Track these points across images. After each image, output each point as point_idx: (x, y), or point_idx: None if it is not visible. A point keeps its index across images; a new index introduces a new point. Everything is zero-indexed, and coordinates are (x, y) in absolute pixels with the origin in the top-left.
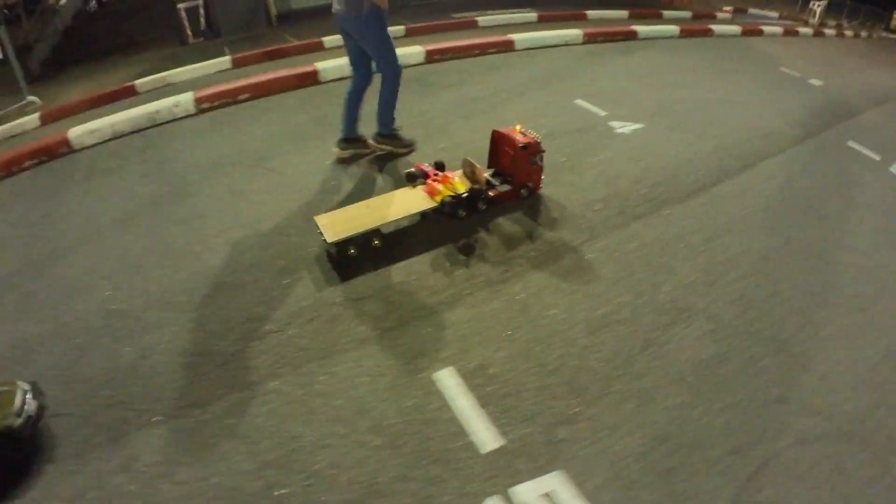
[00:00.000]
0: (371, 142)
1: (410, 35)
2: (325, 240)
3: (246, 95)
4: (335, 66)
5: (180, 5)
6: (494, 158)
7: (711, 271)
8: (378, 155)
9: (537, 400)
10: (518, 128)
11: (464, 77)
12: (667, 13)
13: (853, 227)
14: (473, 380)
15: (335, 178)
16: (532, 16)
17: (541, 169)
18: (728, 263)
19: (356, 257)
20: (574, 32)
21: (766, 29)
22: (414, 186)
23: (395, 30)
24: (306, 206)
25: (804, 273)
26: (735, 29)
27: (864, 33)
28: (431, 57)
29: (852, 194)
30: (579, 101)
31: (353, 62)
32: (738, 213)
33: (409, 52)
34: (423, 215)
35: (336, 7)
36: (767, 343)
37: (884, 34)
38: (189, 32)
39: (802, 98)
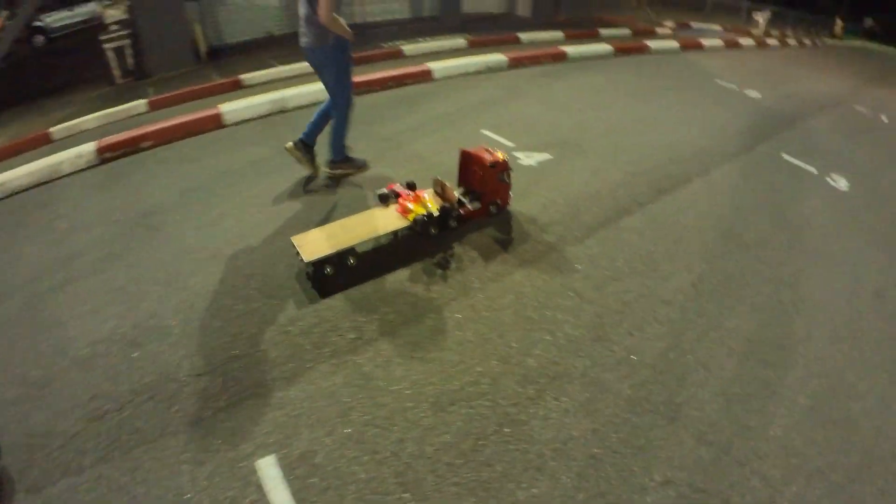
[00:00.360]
0: (326, 169)
1: None
2: (301, 259)
3: (149, 143)
4: (243, 106)
5: (107, 45)
6: (464, 177)
7: (599, 325)
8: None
9: (361, 495)
10: (485, 147)
11: (373, 115)
12: (605, 31)
13: (780, 254)
14: (295, 470)
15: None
16: (461, 42)
17: (509, 186)
18: (621, 314)
19: (333, 277)
20: (498, 58)
21: (707, 42)
22: (387, 206)
23: None
24: (165, 274)
25: (712, 320)
26: (673, 45)
27: (808, 41)
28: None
29: (784, 214)
30: (486, 132)
31: (350, 76)
32: (642, 251)
33: (319, 89)
34: (396, 234)
35: (302, 40)
36: (658, 411)
37: (828, 41)
38: (117, 72)
39: (737, 111)
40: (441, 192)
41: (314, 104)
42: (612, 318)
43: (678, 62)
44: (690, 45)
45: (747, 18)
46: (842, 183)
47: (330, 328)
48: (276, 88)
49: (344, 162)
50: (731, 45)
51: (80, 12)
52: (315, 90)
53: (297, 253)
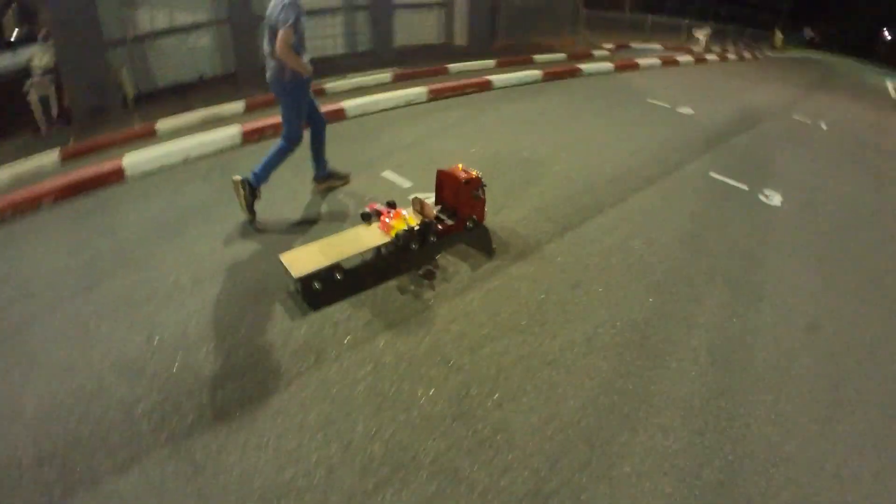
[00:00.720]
0: (242, 187)
1: (249, 110)
2: (290, 276)
3: (49, 200)
4: (151, 157)
5: (31, 96)
6: (440, 195)
7: (465, 397)
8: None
9: None
10: (460, 166)
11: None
12: (540, 57)
13: (697, 290)
14: None
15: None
16: (387, 76)
17: (483, 202)
18: (493, 381)
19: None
20: (417, 91)
21: (644, 62)
22: (369, 224)
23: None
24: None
25: (605, 382)
26: (607, 66)
27: (748, 55)
28: (250, 137)
29: (706, 242)
30: (387, 174)
31: (301, 117)
32: (531, 301)
33: (225, 135)
34: (378, 250)
35: (267, 74)
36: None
37: (769, 53)
38: (42, 120)
39: (667, 130)
40: (420, 209)
41: (220, 151)
42: (481, 387)
43: (611, 84)
44: (624, 66)
45: (688, 36)
46: (775, 199)
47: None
48: (194, 133)
49: (248, 185)
50: (669, 62)
51: (23, 56)
52: (219, 137)
53: (286, 271)
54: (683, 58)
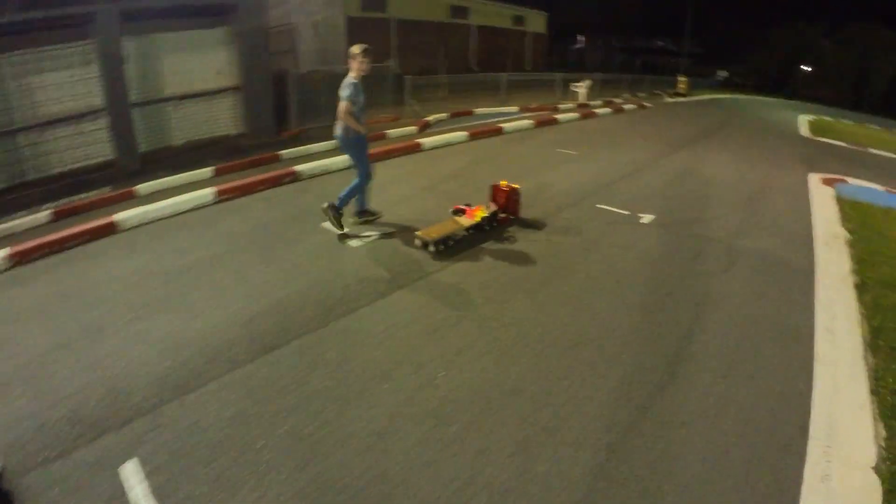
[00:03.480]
0: (329, 209)
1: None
2: (425, 240)
3: None
4: None
5: None
6: (494, 199)
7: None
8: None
9: None
10: (504, 182)
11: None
12: (318, 146)
13: None
14: None
15: None
16: (206, 172)
17: (518, 202)
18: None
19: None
20: (206, 192)
21: (434, 140)
22: (460, 216)
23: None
24: None
25: None
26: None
27: (632, 106)
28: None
29: None
30: None
31: (365, 162)
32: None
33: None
34: (468, 228)
35: (336, 132)
36: None
37: (670, 100)
38: None
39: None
40: (487, 206)
41: None
42: None
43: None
44: (403, 150)
45: (564, 91)
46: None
47: None
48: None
49: (335, 210)
50: (488, 133)
51: None
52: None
53: (417, 238)
54: (522, 122)
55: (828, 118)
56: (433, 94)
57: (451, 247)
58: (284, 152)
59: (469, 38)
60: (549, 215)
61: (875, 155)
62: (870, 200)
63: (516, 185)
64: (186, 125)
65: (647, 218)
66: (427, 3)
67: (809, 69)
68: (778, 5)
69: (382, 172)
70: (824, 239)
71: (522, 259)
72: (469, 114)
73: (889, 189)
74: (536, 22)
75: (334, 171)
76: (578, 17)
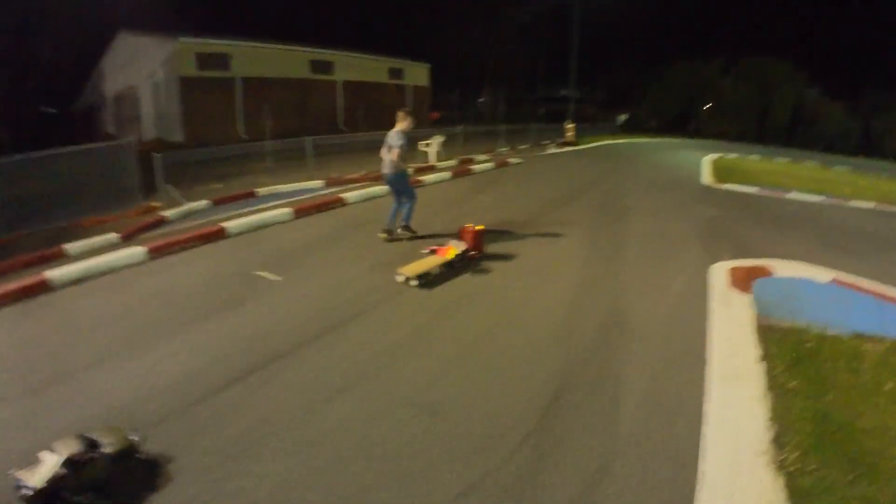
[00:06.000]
0: (399, 231)
1: None
2: (407, 277)
3: None
4: None
5: None
6: (462, 238)
7: None
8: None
9: None
10: (469, 225)
11: None
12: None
13: None
14: None
15: None
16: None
17: (482, 242)
18: None
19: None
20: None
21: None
22: (434, 253)
23: None
24: None
25: None
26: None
27: (515, 159)
28: None
29: None
30: None
31: (393, 195)
32: None
33: None
34: (443, 265)
35: (383, 171)
36: None
37: (555, 150)
38: None
39: None
40: (457, 244)
41: None
42: None
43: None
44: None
45: (413, 149)
46: None
47: None
48: None
49: (408, 228)
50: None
51: None
52: None
53: (399, 274)
54: (281, 212)
55: (733, 155)
56: (216, 169)
57: (431, 281)
58: None
59: (335, 95)
60: None
61: (802, 203)
62: (817, 318)
63: (482, 227)
64: None
65: None
66: (282, 59)
67: (710, 106)
68: (676, 45)
69: None
70: None
71: None
72: (249, 196)
73: (837, 279)
74: (417, 74)
75: None
76: (471, 67)
